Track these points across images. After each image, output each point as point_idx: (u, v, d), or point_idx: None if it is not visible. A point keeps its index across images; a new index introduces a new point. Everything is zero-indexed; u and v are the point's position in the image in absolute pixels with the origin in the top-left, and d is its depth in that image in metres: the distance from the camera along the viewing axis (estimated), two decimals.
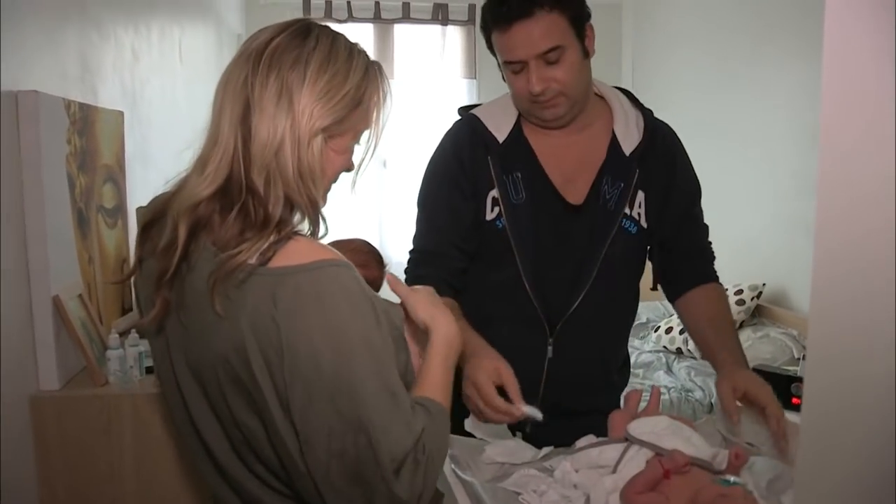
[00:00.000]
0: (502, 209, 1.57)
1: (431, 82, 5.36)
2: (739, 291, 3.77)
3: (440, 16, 5.26)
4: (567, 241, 1.59)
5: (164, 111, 3.03)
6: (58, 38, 1.98)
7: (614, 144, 1.60)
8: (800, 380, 2.98)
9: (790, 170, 3.67)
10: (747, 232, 4.01)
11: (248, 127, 0.98)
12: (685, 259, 1.70)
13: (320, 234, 1.04)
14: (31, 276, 1.77)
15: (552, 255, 1.58)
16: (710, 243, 1.75)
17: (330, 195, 1.09)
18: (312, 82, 0.99)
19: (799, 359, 3.20)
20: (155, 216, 1.05)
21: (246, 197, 0.98)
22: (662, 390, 3.29)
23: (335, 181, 1.09)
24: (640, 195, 1.60)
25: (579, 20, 1.50)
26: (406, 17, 5.24)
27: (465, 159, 1.60)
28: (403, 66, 5.34)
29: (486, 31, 1.52)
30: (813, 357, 0.67)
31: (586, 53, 1.53)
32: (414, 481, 0.96)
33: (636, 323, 4.21)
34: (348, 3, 5.15)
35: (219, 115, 1.01)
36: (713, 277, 1.71)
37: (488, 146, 1.59)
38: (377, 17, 5.23)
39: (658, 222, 1.63)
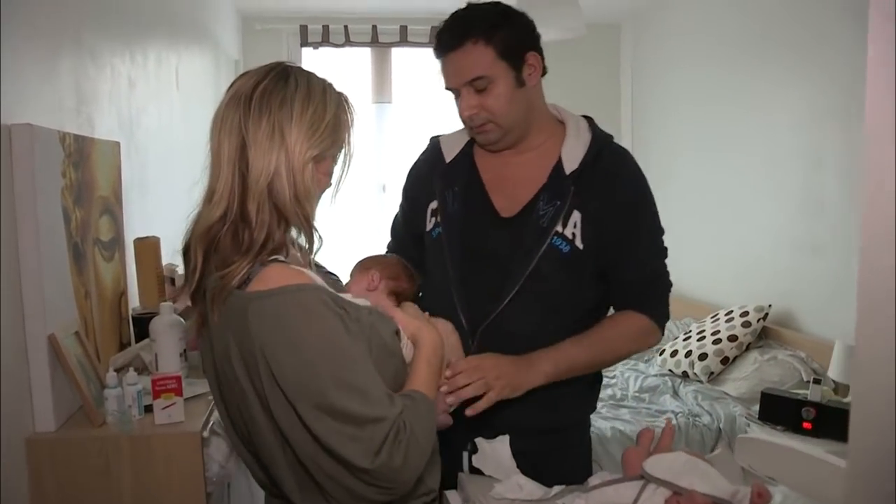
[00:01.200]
0: (439, 219, 1.70)
1: (429, 105, 5.33)
2: (745, 313, 3.72)
3: None
4: (494, 251, 1.66)
5: (161, 139, 3.01)
6: (53, 69, 1.96)
7: (558, 165, 1.64)
8: (810, 404, 2.92)
9: (794, 189, 3.64)
10: (751, 252, 3.98)
11: (246, 161, 1.15)
12: (626, 287, 1.68)
13: (315, 246, 1.21)
14: (26, 314, 1.72)
15: (478, 262, 1.66)
16: (664, 274, 1.72)
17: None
18: (299, 118, 1.16)
19: (808, 381, 3.15)
20: (188, 244, 1.24)
21: (237, 220, 1.14)
22: (668, 415, 3.23)
23: (320, 197, 1.27)
24: (577, 215, 1.61)
25: (514, 51, 1.57)
26: (403, 40, 5.25)
27: (420, 176, 1.80)
28: (401, 89, 5.35)
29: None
30: (860, 363, 0.68)
31: (522, 83, 1.59)
32: (393, 454, 1.09)
33: None
34: (345, 27, 5.15)
35: (217, 153, 1.17)
36: (644, 308, 1.68)
37: (437, 164, 1.76)
38: (374, 41, 5.23)
39: (596, 245, 1.61)
